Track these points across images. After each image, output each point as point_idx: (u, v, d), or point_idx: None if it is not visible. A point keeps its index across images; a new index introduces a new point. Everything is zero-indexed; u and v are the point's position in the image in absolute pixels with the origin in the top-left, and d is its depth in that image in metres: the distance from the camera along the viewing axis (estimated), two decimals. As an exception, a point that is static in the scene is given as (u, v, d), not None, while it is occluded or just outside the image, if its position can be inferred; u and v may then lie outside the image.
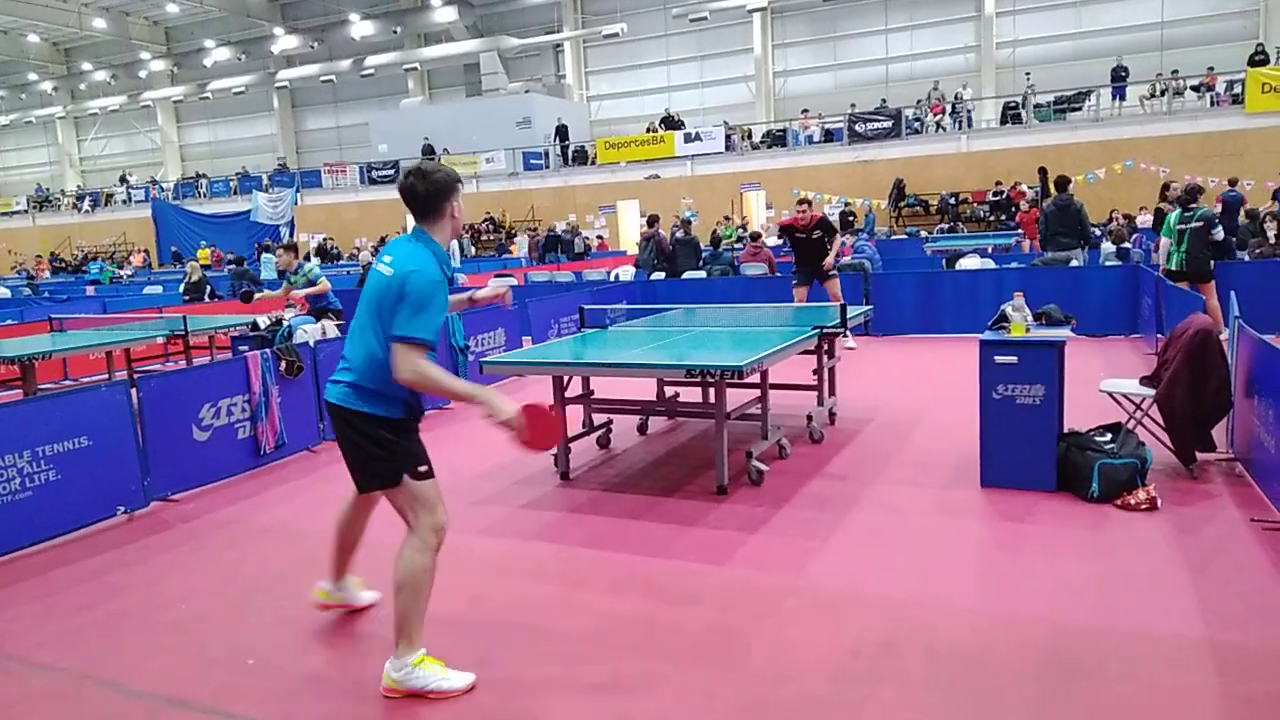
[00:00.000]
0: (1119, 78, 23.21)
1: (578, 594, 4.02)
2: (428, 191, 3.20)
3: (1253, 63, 21.59)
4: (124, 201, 36.24)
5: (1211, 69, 22.71)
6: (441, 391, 3.08)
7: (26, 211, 38.01)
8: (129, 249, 33.03)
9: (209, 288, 15.30)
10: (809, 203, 10.38)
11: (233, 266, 18.72)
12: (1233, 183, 14.58)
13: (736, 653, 3.40)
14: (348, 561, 3.77)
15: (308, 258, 9.83)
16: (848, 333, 9.49)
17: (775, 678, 3.20)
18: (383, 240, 27.05)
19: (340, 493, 3.70)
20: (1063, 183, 11.08)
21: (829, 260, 10.08)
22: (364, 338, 3.16)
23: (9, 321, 12.05)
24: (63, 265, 31.70)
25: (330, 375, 3.31)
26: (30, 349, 7.98)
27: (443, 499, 3.26)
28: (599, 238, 25.22)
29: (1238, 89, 21.34)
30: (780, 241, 13.81)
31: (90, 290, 19.91)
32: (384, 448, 3.16)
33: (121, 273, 26.04)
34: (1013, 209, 21.38)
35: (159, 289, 17.83)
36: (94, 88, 40.14)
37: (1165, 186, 13.10)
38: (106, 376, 9.87)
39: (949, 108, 24.59)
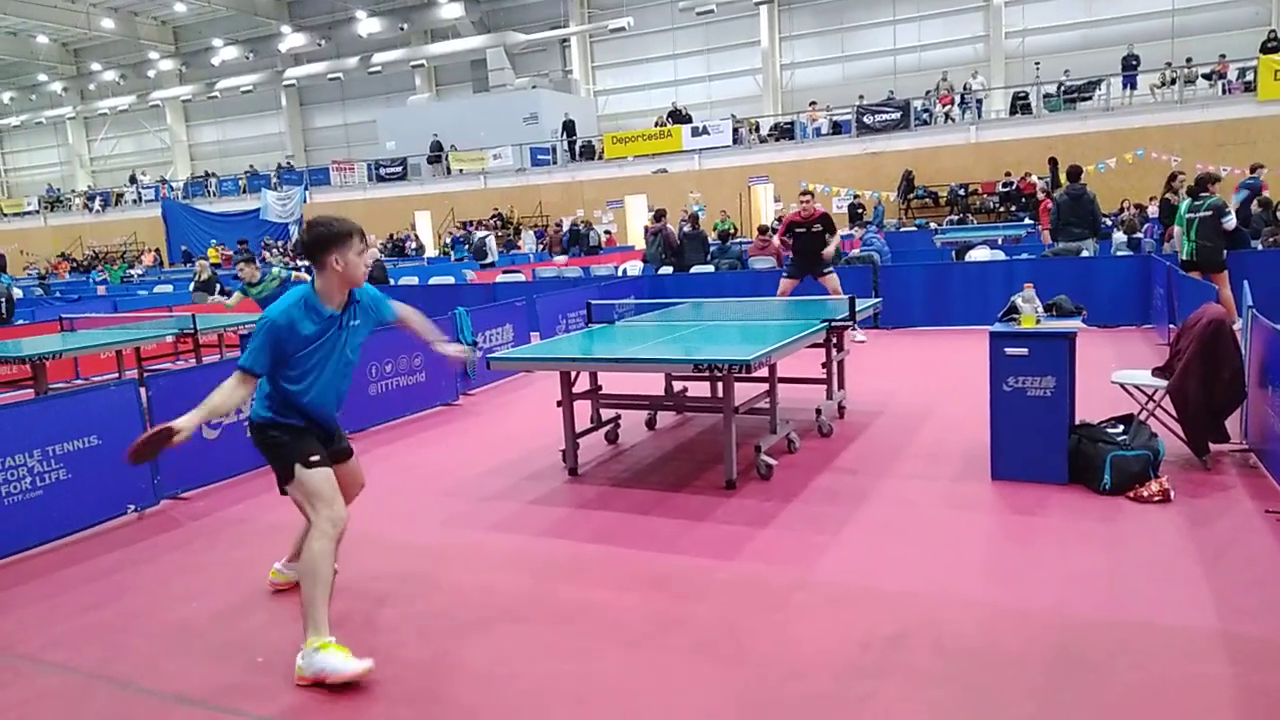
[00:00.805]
0: (1130, 66, 23.03)
1: (586, 589, 4.01)
2: (307, 241, 3.39)
3: (1265, 50, 21.39)
4: (134, 201, 36.42)
5: (1223, 56, 22.51)
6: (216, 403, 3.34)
7: (38, 212, 38.26)
8: (140, 249, 33.19)
9: (219, 286, 15.34)
10: (811, 194, 10.30)
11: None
12: (1254, 169, 14.38)
13: (745, 647, 3.38)
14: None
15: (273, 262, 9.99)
16: (856, 326, 9.59)
17: (783, 672, 3.19)
18: (391, 237, 27.13)
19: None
20: (1075, 172, 10.99)
21: (829, 250, 9.96)
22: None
23: (21, 321, 12.11)
24: (74, 265, 31.88)
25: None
26: (41, 348, 8.02)
27: (340, 496, 3.45)
28: (606, 233, 25.21)
29: (1250, 76, 21.15)
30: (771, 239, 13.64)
31: (101, 290, 20.02)
32: (274, 447, 3.45)
33: (133, 272, 26.15)
34: (1023, 199, 21.25)
35: (169, 288, 17.90)
36: (103, 88, 40.32)
37: (1172, 176, 12.96)
38: (117, 375, 9.92)
39: (958, 98, 24.44)
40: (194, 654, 3.61)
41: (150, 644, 3.72)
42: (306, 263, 3.61)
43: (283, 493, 3.52)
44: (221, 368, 6.59)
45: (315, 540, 3.33)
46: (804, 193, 10.36)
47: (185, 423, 3.20)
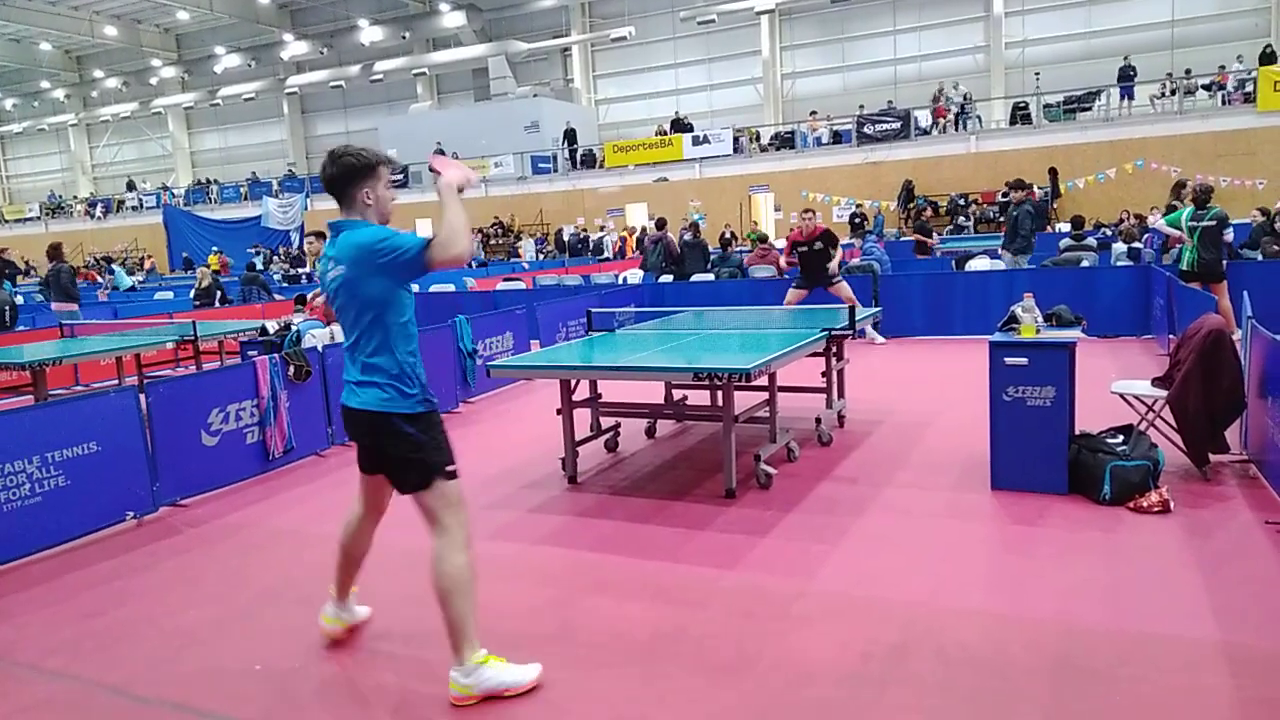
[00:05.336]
0: (1127, 77, 23.07)
1: (586, 599, 4.01)
2: (334, 174, 3.10)
3: (1263, 61, 21.45)
4: (134, 208, 36.45)
5: (1223, 67, 22.58)
6: (459, 225, 2.95)
7: (39, 218, 38.31)
8: (139, 255, 33.22)
9: (219, 293, 15.37)
10: (813, 212, 10.67)
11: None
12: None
13: (745, 656, 3.37)
14: (354, 577, 3.67)
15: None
16: (877, 329, 10.64)
17: (784, 681, 3.18)
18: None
19: (349, 497, 3.68)
20: (1023, 184, 11.52)
21: (832, 266, 10.20)
22: (372, 336, 3.09)
23: (21, 327, 12.11)
24: (73, 271, 31.82)
25: (343, 383, 3.23)
26: (41, 354, 8.02)
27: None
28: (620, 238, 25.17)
29: (1250, 87, 21.21)
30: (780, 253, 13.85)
31: (102, 296, 20.03)
32: (419, 447, 3.12)
33: (132, 278, 26.15)
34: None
35: (170, 294, 17.92)
36: (106, 95, 40.42)
37: (1180, 185, 13.02)
38: (117, 382, 9.91)
39: (955, 109, 24.44)
40: (193, 662, 3.60)
41: (149, 652, 3.71)
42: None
43: (404, 492, 3.21)
44: (222, 374, 6.60)
45: (456, 554, 3.12)
46: (806, 210, 10.71)
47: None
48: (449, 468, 3.16)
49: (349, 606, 3.70)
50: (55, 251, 12.85)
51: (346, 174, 3.09)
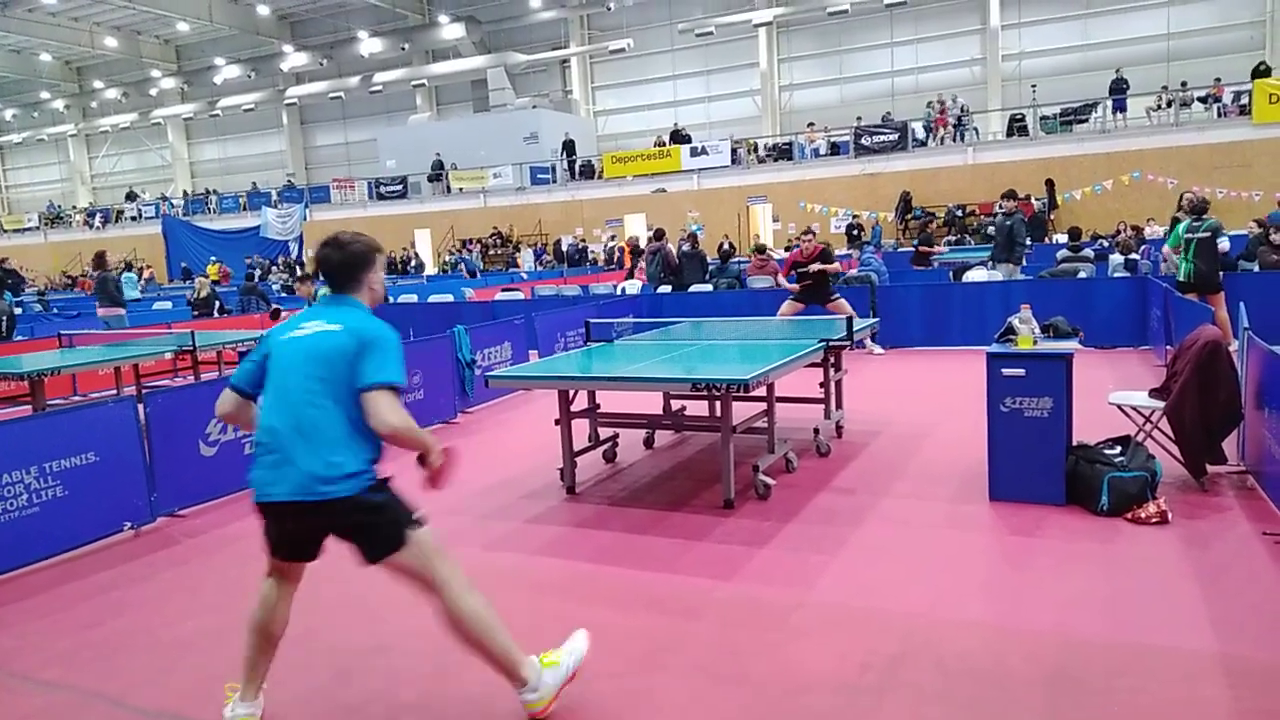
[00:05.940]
0: (1119, 90, 23.16)
1: (583, 609, 4.00)
2: (349, 258, 3.06)
3: (1256, 74, 21.55)
4: (134, 218, 36.47)
5: (1219, 80, 22.68)
6: (416, 443, 2.94)
7: (38, 228, 38.32)
8: (139, 265, 33.20)
9: (218, 303, 15.39)
10: (813, 232, 10.91)
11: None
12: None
13: (744, 667, 3.37)
14: (268, 665, 3.16)
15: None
16: (874, 339, 10.70)
17: (782, 691, 3.18)
18: (389, 254, 27.15)
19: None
20: (1015, 195, 11.77)
21: (815, 266, 10.30)
22: (321, 407, 2.85)
23: (20, 337, 12.12)
24: (71, 282, 31.86)
25: (266, 464, 2.89)
26: (40, 365, 8.01)
27: None
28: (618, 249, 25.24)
29: (1245, 100, 21.30)
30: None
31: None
32: (382, 511, 2.91)
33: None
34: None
35: (168, 305, 17.93)
36: (105, 105, 40.50)
37: (1181, 197, 13.09)
38: (115, 392, 9.91)
39: (953, 119, 24.50)
40: (190, 672, 3.59)
41: (146, 662, 3.71)
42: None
43: (377, 560, 2.90)
44: (221, 385, 6.59)
45: (465, 597, 2.93)
46: (805, 231, 10.94)
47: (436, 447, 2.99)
48: (415, 516, 2.95)
49: (260, 698, 3.14)
50: (100, 260, 13.29)
51: (358, 260, 3.06)
